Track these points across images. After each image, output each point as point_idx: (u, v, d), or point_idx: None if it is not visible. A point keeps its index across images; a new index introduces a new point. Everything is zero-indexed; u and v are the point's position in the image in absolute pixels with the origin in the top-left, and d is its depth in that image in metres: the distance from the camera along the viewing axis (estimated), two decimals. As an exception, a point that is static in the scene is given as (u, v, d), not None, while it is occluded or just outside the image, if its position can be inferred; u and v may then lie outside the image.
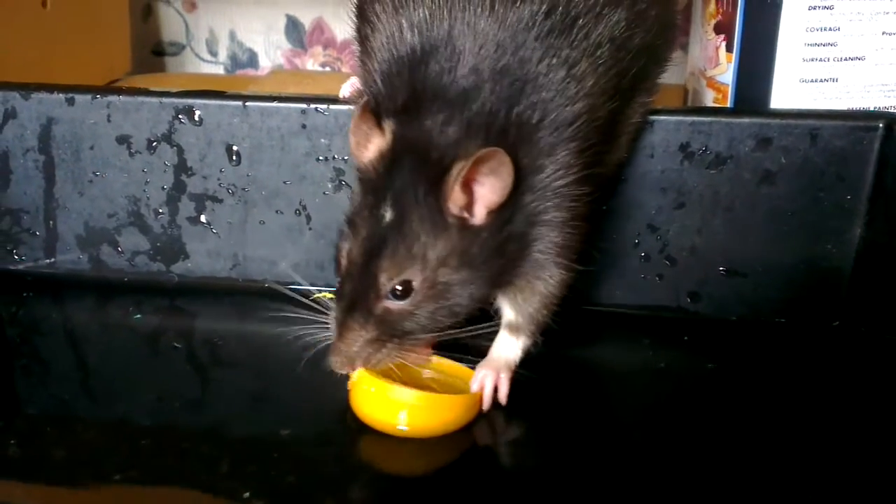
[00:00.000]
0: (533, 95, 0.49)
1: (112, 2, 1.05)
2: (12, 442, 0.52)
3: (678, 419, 0.55)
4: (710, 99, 0.74)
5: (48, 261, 0.69)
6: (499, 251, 0.50)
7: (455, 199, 0.47)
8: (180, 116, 0.65)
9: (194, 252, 0.68)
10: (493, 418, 0.54)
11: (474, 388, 0.53)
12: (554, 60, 0.50)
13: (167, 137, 0.65)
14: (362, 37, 0.57)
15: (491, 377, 0.54)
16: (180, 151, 0.66)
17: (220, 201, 0.66)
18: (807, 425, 0.55)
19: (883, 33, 0.68)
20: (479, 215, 0.48)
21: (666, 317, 0.65)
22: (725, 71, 0.72)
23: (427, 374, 0.56)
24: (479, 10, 0.50)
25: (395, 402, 0.51)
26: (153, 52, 1.18)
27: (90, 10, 0.99)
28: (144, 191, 0.66)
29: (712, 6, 0.73)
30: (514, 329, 0.55)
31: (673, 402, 0.57)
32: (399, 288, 0.49)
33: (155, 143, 0.65)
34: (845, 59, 0.69)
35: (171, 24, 1.17)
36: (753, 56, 0.70)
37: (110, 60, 1.04)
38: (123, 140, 0.66)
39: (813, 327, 0.63)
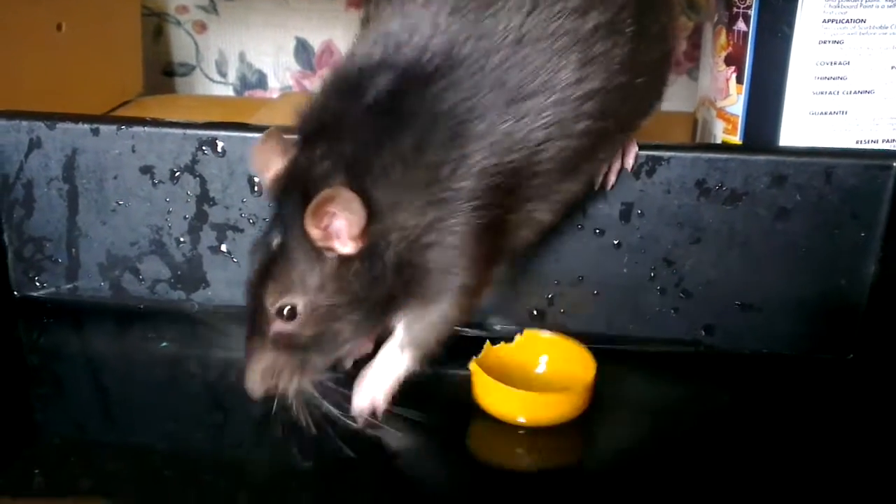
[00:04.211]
0: (405, 138, 0.50)
1: (125, 24, 1.06)
2: (37, 471, 0.52)
3: (692, 452, 0.56)
4: (719, 129, 0.75)
5: (69, 287, 0.69)
6: (379, 280, 0.51)
7: (314, 234, 0.49)
8: (203, 147, 0.66)
9: (215, 280, 0.68)
10: (503, 452, 0.56)
11: (353, 411, 0.55)
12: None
13: (190, 168, 0.66)
14: None
15: (366, 407, 0.55)
16: (203, 182, 0.66)
17: (241, 231, 0.67)
18: (821, 459, 0.55)
19: (892, 67, 0.70)
20: (347, 246, 0.50)
21: (681, 350, 0.65)
22: (735, 102, 0.74)
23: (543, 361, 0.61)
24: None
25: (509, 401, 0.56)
26: (163, 73, 1.18)
27: (104, 32, 1.00)
28: (167, 220, 0.67)
29: (723, 38, 0.74)
30: (402, 347, 0.56)
31: (687, 435, 0.58)
32: (285, 312, 0.51)
33: (178, 174, 0.66)
34: (855, 93, 0.70)
35: (181, 45, 1.18)
36: (763, 88, 0.71)
37: (123, 81, 1.05)
38: (147, 170, 0.66)
39: (827, 361, 0.64)
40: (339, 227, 0.49)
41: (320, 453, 0.54)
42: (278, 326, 0.51)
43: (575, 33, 0.52)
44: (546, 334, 0.62)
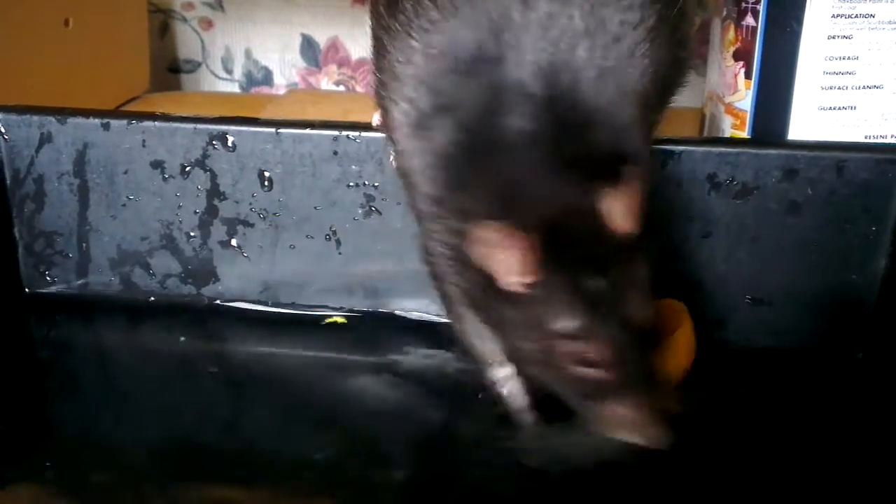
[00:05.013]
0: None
1: (132, 20, 1.06)
2: (48, 465, 0.52)
3: (700, 446, 0.56)
4: (727, 125, 0.75)
5: (80, 282, 0.69)
6: None
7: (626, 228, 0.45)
8: (214, 142, 0.66)
9: (225, 275, 0.69)
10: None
11: None
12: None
13: (200, 163, 0.66)
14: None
15: None
16: (213, 176, 0.66)
17: (252, 226, 0.67)
18: (830, 455, 0.55)
19: (901, 62, 0.70)
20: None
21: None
22: (744, 98, 0.73)
23: None
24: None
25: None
26: (169, 70, 1.18)
27: (111, 28, 1.00)
28: (177, 215, 0.67)
29: (731, 33, 0.74)
30: None
31: (696, 429, 0.58)
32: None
33: (188, 169, 0.66)
34: (863, 88, 0.70)
35: (187, 41, 1.18)
36: (772, 83, 0.71)
37: (129, 78, 1.05)
38: (157, 165, 0.66)
39: (838, 356, 0.64)
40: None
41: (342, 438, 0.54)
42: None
43: None
44: None
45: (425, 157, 0.50)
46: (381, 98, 0.54)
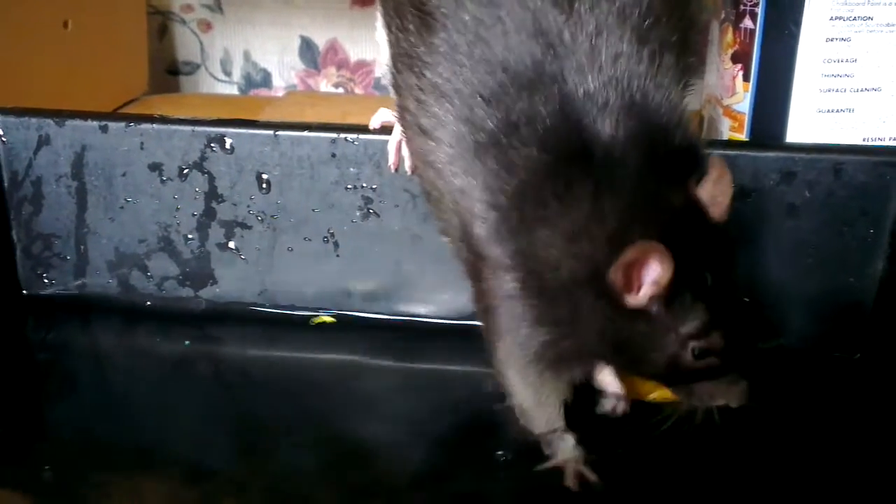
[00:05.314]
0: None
1: (131, 22, 1.06)
2: (45, 467, 0.53)
3: (698, 448, 0.56)
4: (726, 127, 0.75)
5: (78, 284, 0.69)
6: None
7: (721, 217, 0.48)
8: (212, 145, 0.66)
9: (223, 278, 0.68)
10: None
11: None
12: None
13: (198, 165, 0.66)
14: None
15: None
16: (211, 179, 0.66)
17: (250, 228, 0.67)
18: (828, 457, 0.55)
19: (899, 65, 0.70)
20: None
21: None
22: (742, 100, 0.73)
23: None
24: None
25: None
26: (168, 72, 1.18)
27: (110, 30, 1.00)
28: (175, 217, 0.67)
29: (730, 36, 0.74)
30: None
31: (693, 431, 0.58)
32: None
33: (186, 171, 0.66)
34: (862, 90, 0.70)
35: (186, 43, 1.18)
36: (770, 86, 0.71)
37: (128, 80, 1.05)
38: (155, 167, 0.66)
39: (835, 359, 0.64)
40: None
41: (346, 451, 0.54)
42: None
43: None
44: None
45: (498, 179, 0.47)
46: (417, 118, 0.51)
